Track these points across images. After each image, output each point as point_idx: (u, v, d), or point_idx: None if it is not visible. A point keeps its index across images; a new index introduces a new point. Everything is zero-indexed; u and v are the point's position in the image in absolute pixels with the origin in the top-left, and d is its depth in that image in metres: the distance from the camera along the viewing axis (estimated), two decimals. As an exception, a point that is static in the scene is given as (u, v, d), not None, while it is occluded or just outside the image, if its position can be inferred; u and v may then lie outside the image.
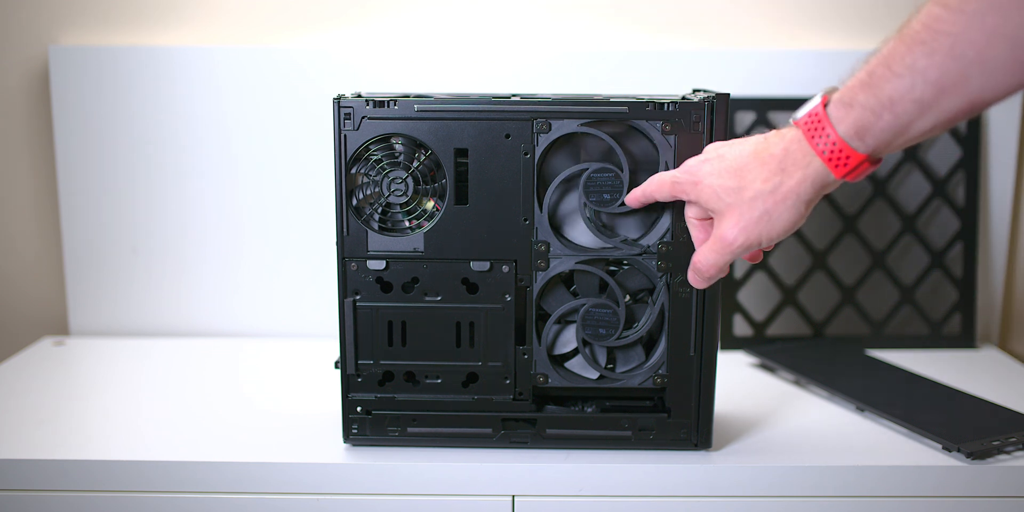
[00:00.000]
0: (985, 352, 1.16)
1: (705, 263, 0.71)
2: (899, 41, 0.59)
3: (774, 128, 1.13)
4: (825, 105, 0.63)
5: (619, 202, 0.78)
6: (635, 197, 0.76)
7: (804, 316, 1.17)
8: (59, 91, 1.15)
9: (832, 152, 0.63)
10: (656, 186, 0.74)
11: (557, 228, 0.80)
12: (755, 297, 1.17)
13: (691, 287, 0.79)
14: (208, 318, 1.20)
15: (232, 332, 1.21)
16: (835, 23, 1.16)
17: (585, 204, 0.78)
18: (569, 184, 0.79)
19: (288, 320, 1.20)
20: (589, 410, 0.84)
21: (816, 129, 0.63)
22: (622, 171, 0.77)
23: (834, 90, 0.63)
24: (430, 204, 0.80)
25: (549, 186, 0.79)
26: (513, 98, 0.78)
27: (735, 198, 0.67)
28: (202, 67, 1.14)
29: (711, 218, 0.71)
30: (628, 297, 0.81)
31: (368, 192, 0.79)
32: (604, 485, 0.81)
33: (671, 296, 0.79)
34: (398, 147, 0.79)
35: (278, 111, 1.15)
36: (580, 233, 0.80)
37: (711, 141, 0.76)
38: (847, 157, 0.62)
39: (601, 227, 0.80)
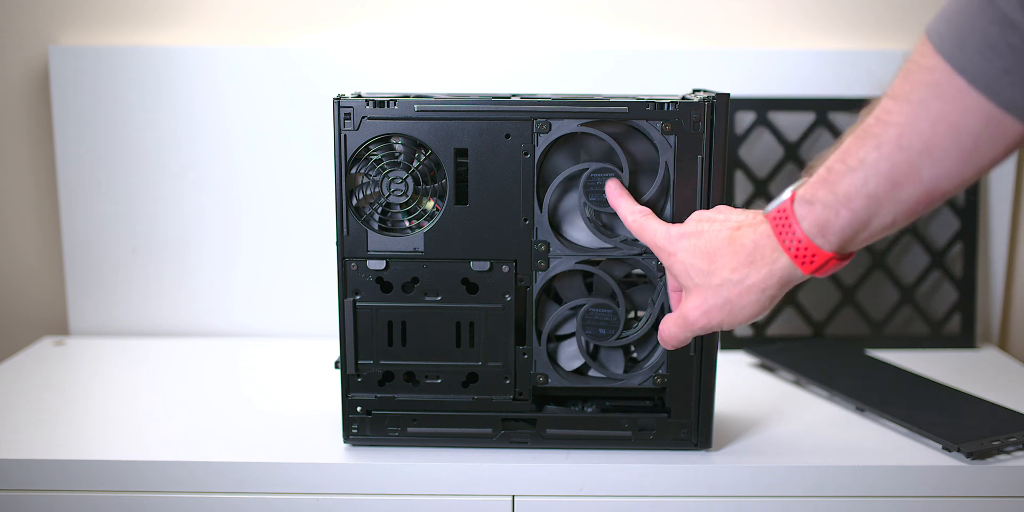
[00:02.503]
0: (985, 352, 1.16)
1: (667, 334, 0.72)
2: (854, 135, 0.59)
3: (774, 128, 1.13)
4: (793, 201, 0.62)
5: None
6: (621, 209, 0.76)
7: (804, 316, 1.17)
8: (59, 91, 1.15)
9: (798, 249, 0.62)
10: (638, 227, 0.74)
11: (557, 228, 0.80)
12: (755, 297, 1.16)
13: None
14: (208, 318, 1.20)
15: (232, 332, 1.21)
16: (835, 23, 1.16)
17: (585, 204, 0.78)
18: (569, 184, 0.79)
19: (288, 320, 1.20)
20: (589, 410, 0.84)
21: (783, 226, 0.63)
22: (622, 171, 0.77)
23: (804, 183, 0.63)
24: (430, 204, 0.80)
25: (549, 186, 0.79)
26: (513, 98, 0.78)
27: (703, 280, 0.67)
28: (202, 67, 1.14)
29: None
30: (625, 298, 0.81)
31: (368, 192, 0.79)
32: (604, 485, 0.81)
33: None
34: (398, 147, 0.79)
35: (278, 111, 1.15)
36: (580, 233, 0.80)
37: (711, 141, 0.76)
38: (813, 255, 0.62)
39: (601, 227, 0.80)
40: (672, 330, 0.72)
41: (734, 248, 0.66)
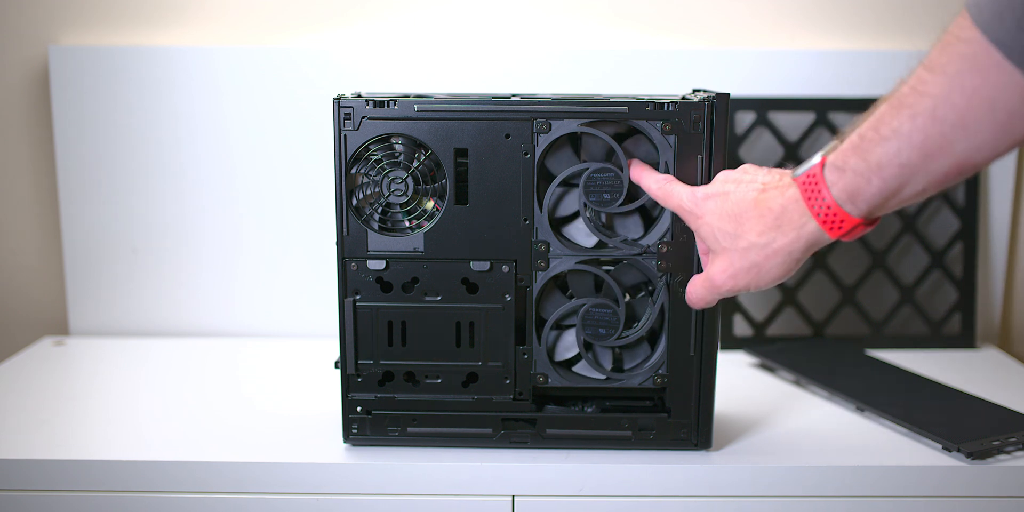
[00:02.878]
0: (985, 352, 1.16)
1: (695, 296, 0.74)
2: (889, 104, 0.59)
3: (774, 128, 1.13)
4: (823, 166, 0.63)
5: (619, 202, 0.78)
6: (645, 180, 0.76)
7: (804, 316, 1.17)
8: (59, 91, 1.15)
9: (827, 215, 0.63)
10: (664, 194, 0.74)
11: (557, 228, 0.80)
12: (755, 297, 1.17)
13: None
14: (208, 318, 1.20)
15: (232, 332, 1.21)
16: (835, 23, 1.16)
17: (585, 204, 0.78)
18: (569, 184, 0.79)
19: (288, 320, 1.20)
20: (589, 410, 0.84)
21: (812, 191, 0.63)
22: (622, 171, 0.77)
23: (835, 148, 0.63)
24: (430, 204, 0.80)
25: (549, 186, 0.79)
26: (513, 98, 0.78)
27: (730, 243, 0.68)
28: (202, 67, 1.14)
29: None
30: (627, 295, 0.81)
31: (368, 192, 0.79)
32: (604, 485, 0.81)
33: (671, 296, 0.79)
34: (398, 147, 0.79)
35: (278, 111, 1.15)
36: (580, 233, 0.80)
37: (711, 141, 0.76)
38: (841, 221, 0.63)
39: (601, 227, 0.80)
40: (700, 292, 0.73)
41: (761, 211, 0.66)
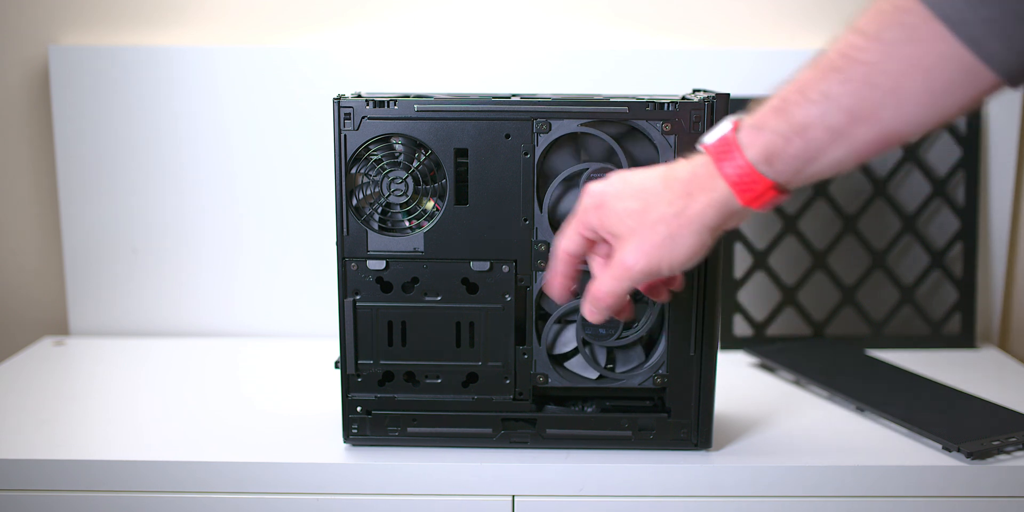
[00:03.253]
0: (985, 352, 1.16)
1: (602, 290, 0.67)
2: (814, 69, 0.58)
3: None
4: (737, 129, 0.61)
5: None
6: (557, 272, 0.71)
7: (804, 316, 1.17)
8: (59, 91, 1.15)
9: (739, 176, 0.60)
10: (566, 241, 0.69)
11: (557, 228, 0.80)
12: (755, 297, 1.17)
13: (691, 287, 0.78)
14: (208, 318, 1.20)
15: (232, 332, 1.21)
16: (835, 23, 1.16)
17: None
18: (569, 184, 0.79)
19: (288, 320, 1.20)
20: (589, 410, 0.84)
21: (725, 153, 0.61)
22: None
23: (749, 115, 0.62)
24: (430, 204, 0.80)
25: (549, 186, 0.79)
26: (513, 98, 0.78)
27: (638, 221, 0.64)
28: (202, 67, 1.14)
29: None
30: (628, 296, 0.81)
31: (368, 192, 0.79)
32: (604, 485, 0.81)
33: (671, 296, 0.79)
34: (398, 147, 0.79)
35: (278, 111, 1.15)
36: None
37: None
38: (753, 182, 0.60)
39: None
40: (608, 284, 0.66)
41: (668, 182, 0.63)
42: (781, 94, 0.60)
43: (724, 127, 0.62)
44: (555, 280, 0.71)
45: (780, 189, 0.61)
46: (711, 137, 0.63)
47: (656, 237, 0.63)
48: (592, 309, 0.69)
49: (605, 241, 0.68)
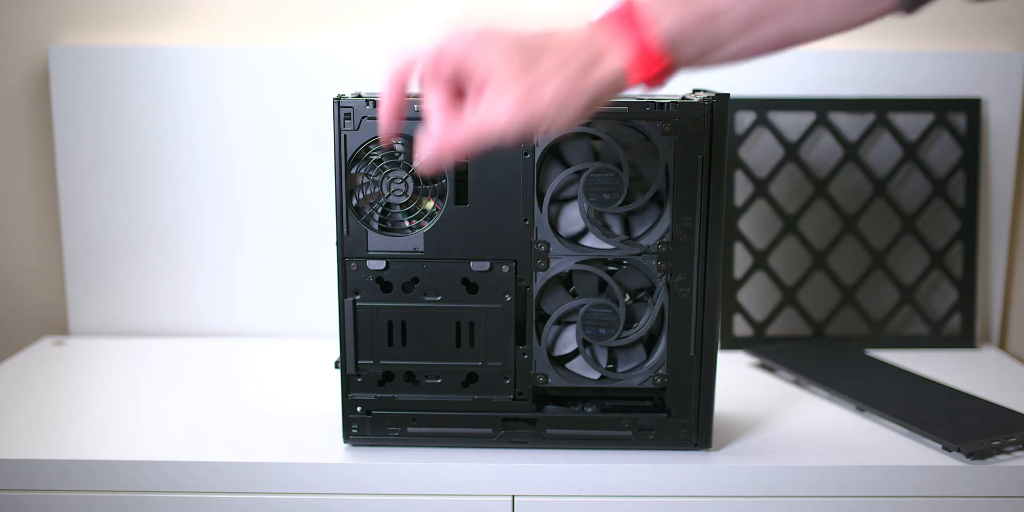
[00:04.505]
0: (985, 352, 1.16)
1: (458, 139, 0.58)
2: None
3: (774, 128, 1.13)
4: (635, 9, 0.58)
5: (619, 202, 0.77)
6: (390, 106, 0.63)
7: (804, 316, 1.17)
8: (59, 91, 1.15)
9: (639, 55, 0.58)
10: (414, 66, 0.61)
11: (557, 228, 0.80)
12: (755, 297, 1.17)
13: (691, 287, 0.78)
14: (208, 318, 1.20)
15: (232, 332, 1.21)
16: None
17: (585, 204, 0.78)
18: (569, 184, 0.79)
19: (288, 320, 1.20)
20: (589, 410, 0.84)
21: (626, 29, 0.58)
22: (622, 171, 0.77)
23: None
24: (430, 204, 0.80)
25: (549, 186, 0.78)
26: (513, 98, 0.78)
27: (525, 70, 0.58)
28: (201, 67, 1.14)
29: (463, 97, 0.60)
30: (628, 297, 0.81)
31: (368, 192, 0.79)
32: (604, 485, 0.81)
33: (671, 296, 0.79)
34: (398, 147, 0.79)
35: (278, 111, 1.15)
36: (580, 233, 0.80)
37: (711, 141, 0.76)
38: (653, 62, 0.58)
39: (601, 227, 0.80)
40: (464, 135, 0.58)
41: (563, 42, 0.60)
42: None
43: (620, 2, 0.60)
44: (388, 113, 0.63)
45: (669, 72, 0.60)
46: (607, 10, 0.60)
47: (548, 92, 0.57)
48: (434, 158, 0.59)
49: (456, 82, 0.60)
